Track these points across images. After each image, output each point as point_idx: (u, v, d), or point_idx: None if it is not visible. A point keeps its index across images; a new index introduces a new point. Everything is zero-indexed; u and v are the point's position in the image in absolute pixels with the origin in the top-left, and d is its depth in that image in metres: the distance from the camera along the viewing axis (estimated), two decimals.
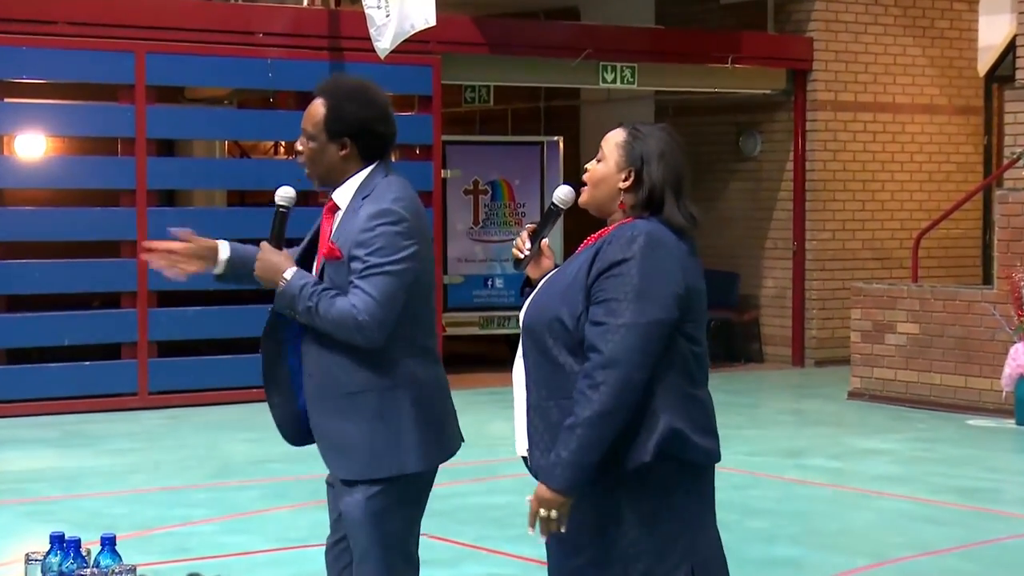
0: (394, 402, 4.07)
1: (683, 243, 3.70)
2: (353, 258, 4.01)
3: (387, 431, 4.06)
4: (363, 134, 4.13)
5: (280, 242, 4.17)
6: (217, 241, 4.33)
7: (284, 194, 4.19)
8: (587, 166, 3.83)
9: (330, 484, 4.29)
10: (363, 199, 4.09)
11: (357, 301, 3.97)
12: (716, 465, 3.79)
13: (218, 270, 4.33)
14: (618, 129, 3.80)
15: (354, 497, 4.09)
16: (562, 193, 3.95)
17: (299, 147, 4.20)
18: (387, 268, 3.98)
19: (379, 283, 3.97)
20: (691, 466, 3.66)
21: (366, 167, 4.16)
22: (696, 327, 3.68)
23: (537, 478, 3.64)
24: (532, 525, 3.63)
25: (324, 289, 4.02)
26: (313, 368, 4.13)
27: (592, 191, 3.79)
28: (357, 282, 3.99)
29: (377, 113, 4.16)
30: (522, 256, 3.94)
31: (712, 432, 3.72)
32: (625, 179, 3.73)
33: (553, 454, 3.59)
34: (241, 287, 4.46)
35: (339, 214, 4.15)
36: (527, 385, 3.74)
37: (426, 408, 4.12)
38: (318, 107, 4.15)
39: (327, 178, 4.18)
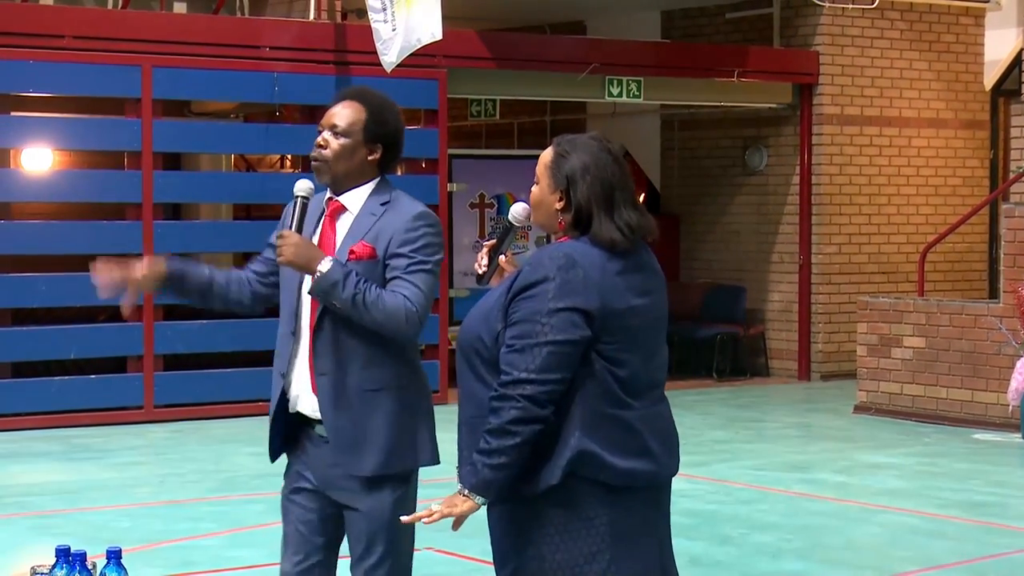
0: (408, 399, 4.20)
1: (614, 262, 3.66)
2: (396, 255, 4.13)
3: (405, 426, 4.18)
4: (393, 146, 4.27)
5: (300, 231, 4.20)
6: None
7: (303, 186, 4.23)
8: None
9: (292, 499, 4.29)
10: (382, 204, 4.20)
11: (408, 293, 4.09)
12: (670, 485, 3.79)
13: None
14: (548, 148, 3.79)
15: (381, 495, 4.16)
16: (516, 211, 4.05)
17: (322, 142, 4.22)
18: (430, 267, 4.15)
19: (425, 279, 4.13)
20: (615, 486, 3.63)
21: (377, 177, 4.27)
22: (620, 349, 3.63)
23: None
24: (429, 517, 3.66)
25: (367, 280, 4.09)
26: (327, 367, 4.17)
27: (535, 214, 3.83)
28: (405, 276, 4.11)
29: (403, 129, 4.33)
30: (481, 272, 4.04)
31: (641, 453, 3.66)
32: (559, 200, 3.73)
33: (470, 458, 3.62)
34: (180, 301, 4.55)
35: (345, 216, 4.23)
36: (459, 401, 3.80)
37: (427, 408, 4.29)
38: (356, 109, 4.22)
39: (344, 177, 4.23)
